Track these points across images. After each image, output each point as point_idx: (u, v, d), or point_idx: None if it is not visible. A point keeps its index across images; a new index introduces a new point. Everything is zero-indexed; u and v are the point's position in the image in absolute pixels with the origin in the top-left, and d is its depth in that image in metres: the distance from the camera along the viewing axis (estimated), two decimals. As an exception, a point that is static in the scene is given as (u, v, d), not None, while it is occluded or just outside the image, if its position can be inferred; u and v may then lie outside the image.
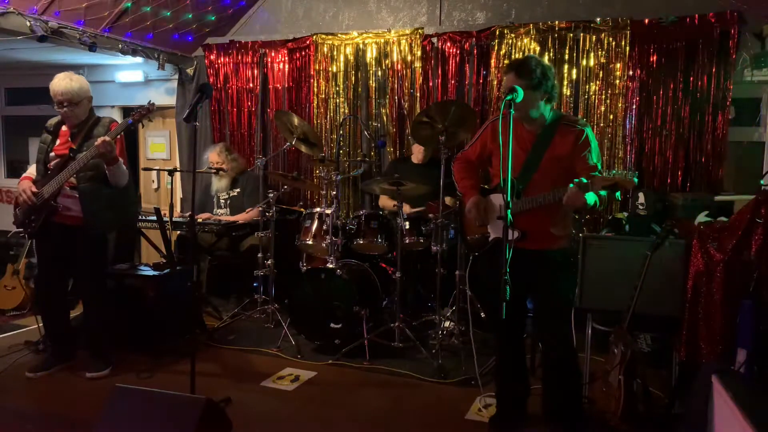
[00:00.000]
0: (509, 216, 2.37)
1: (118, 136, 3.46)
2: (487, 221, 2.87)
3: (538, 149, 2.71)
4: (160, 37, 5.22)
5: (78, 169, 3.40)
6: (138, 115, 3.43)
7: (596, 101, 4.60)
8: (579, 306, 3.23)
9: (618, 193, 2.45)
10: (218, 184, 5.12)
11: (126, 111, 6.51)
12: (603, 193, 2.55)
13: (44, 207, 3.48)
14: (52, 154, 3.57)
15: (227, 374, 3.72)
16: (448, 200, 4.20)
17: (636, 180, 2.45)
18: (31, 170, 3.69)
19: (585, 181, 2.45)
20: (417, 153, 4.76)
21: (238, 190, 5.07)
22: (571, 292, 3.02)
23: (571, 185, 2.48)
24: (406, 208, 4.55)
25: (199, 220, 4.82)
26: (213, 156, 5.11)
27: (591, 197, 2.53)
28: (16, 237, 5.26)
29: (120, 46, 4.91)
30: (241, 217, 4.95)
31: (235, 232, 4.94)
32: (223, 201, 5.13)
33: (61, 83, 3.47)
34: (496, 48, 4.78)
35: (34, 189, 3.50)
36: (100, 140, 3.33)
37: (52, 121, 3.67)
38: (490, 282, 2.66)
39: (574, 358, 2.88)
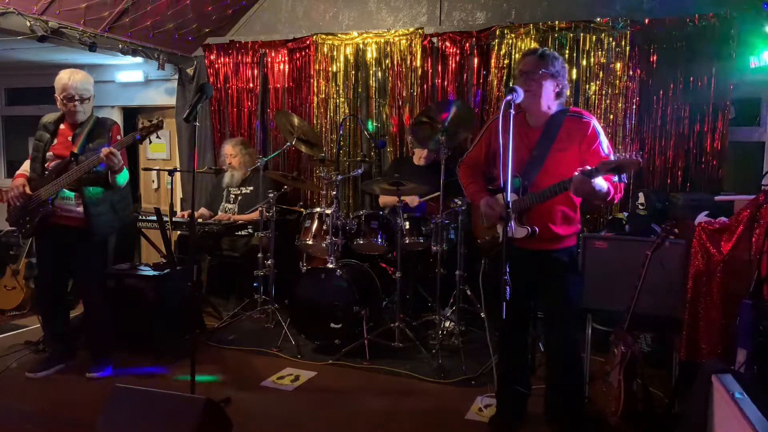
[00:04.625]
0: (511, 214, 2.37)
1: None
2: (498, 220, 2.83)
3: (544, 144, 2.68)
4: (160, 37, 5.22)
5: (80, 175, 3.39)
6: (146, 131, 3.39)
7: (596, 101, 4.60)
8: (579, 306, 3.23)
9: (624, 176, 2.42)
10: (230, 178, 5.11)
11: (126, 111, 6.52)
12: (616, 179, 2.52)
13: (39, 208, 3.46)
14: (50, 153, 3.54)
15: (227, 374, 3.72)
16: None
17: (640, 159, 2.40)
18: (25, 166, 3.66)
19: (589, 168, 2.44)
20: (419, 156, 4.75)
21: (251, 188, 5.05)
22: (578, 293, 3.00)
23: (576, 173, 2.46)
24: (414, 200, 4.54)
25: (200, 221, 4.82)
26: (228, 148, 5.13)
27: (602, 183, 2.48)
28: (8, 236, 5.25)
29: (120, 46, 4.92)
30: (243, 217, 4.94)
31: (238, 232, 4.94)
32: (233, 196, 5.12)
33: (76, 76, 3.45)
34: (496, 48, 4.78)
35: (27, 189, 3.48)
36: (105, 151, 3.31)
37: (50, 118, 3.62)
38: (496, 283, 2.65)
39: (579, 359, 2.88)
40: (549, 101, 2.69)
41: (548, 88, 2.65)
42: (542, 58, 2.65)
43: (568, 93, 4.54)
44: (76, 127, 3.55)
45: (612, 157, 2.57)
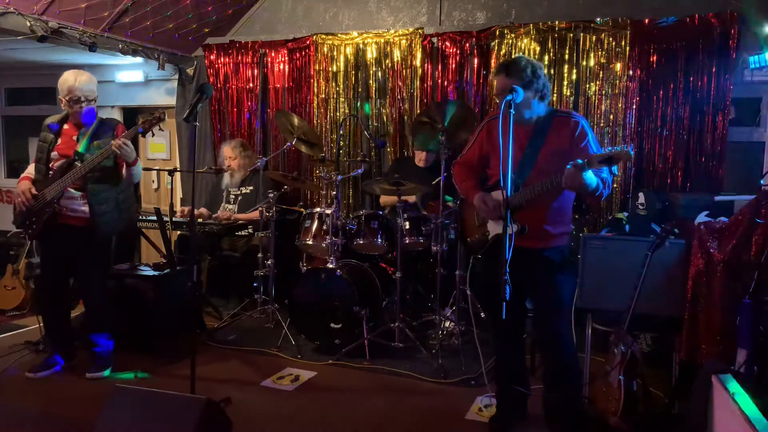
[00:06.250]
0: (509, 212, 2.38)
1: None
2: (493, 216, 2.83)
3: (534, 145, 2.71)
4: (160, 37, 5.22)
5: (85, 172, 3.38)
6: (148, 124, 3.38)
7: (596, 101, 4.60)
8: (579, 306, 3.23)
9: (615, 168, 2.44)
10: (230, 179, 5.11)
11: (126, 111, 6.51)
12: (605, 175, 2.54)
13: (46, 209, 3.46)
14: (54, 153, 3.53)
15: (227, 374, 3.72)
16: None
17: (632, 152, 2.41)
18: (30, 169, 3.65)
19: (580, 161, 2.45)
20: (419, 158, 4.75)
21: (251, 188, 5.05)
22: (571, 292, 3.01)
23: (568, 167, 2.47)
24: (412, 199, 4.55)
25: (200, 220, 4.81)
26: (227, 150, 5.11)
27: (591, 178, 2.50)
28: (16, 237, 5.26)
29: (120, 46, 4.91)
30: (244, 216, 4.93)
31: (238, 232, 4.94)
32: (233, 197, 5.12)
33: (82, 78, 3.45)
34: (496, 48, 4.78)
35: (33, 191, 3.48)
36: (117, 142, 3.31)
37: (53, 119, 3.62)
38: (489, 282, 2.66)
39: (574, 358, 2.88)
40: (532, 107, 2.70)
41: (527, 97, 2.65)
42: (510, 73, 2.64)
43: (567, 93, 4.62)
44: (80, 127, 3.54)
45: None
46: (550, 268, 2.76)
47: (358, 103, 5.28)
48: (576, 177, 2.45)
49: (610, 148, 2.43)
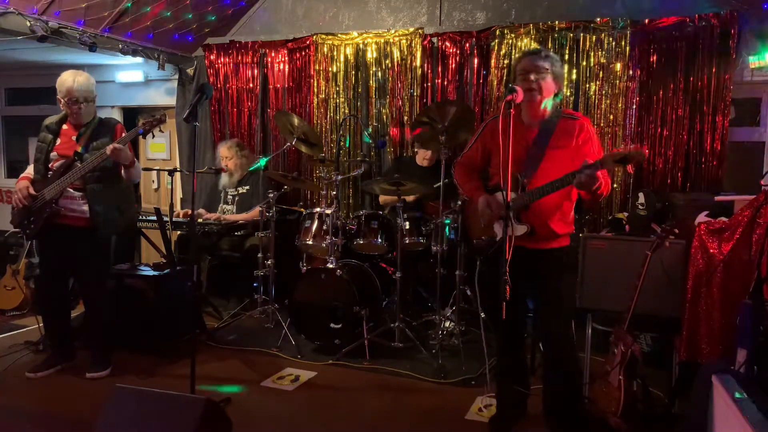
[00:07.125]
0: (512, 212, 2.37)
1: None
2: (497, 218, 2.81)
3: (540, 143, 2.70)
4: (160, 37, 5.23)
5: (84, 173, 3.39)
6: (149, 125, 3.39)
7: (596, 101, 4.60)
8: (579, 306, 3.23)
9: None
10: (227, 179, 5.11)
11: (126, 111, 6.51)
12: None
13: (44, 209, 3.46)
14: (54, 153, 3.54)
15: (227, 374, 3.72)
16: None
17: (646, 153, 2.42)
18: (30, 170, 3.65)
19: (593, 162, 2.44)
20: (423, 157, 4.75)
21: (248, 187, 5.05)
22: (571, 292, 3.01)
23: (583, 167, 2.46)
24: (410, 198, 4.55)
25: (200, 220, 4.81)
26: (223, 150, 5.11)
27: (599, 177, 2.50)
28: (14, 237, 5.26)
29: (120, 46, 4.92)
30: (241, 217, 4.94)
31: (236, 232, 4.94)
32: (231, 197, 5.12)
33: (79, 79, 3.45)
34: (496, 48, 4.78)
35: (31, 190, 3.48)
36: (110, 148, 3.32)
37: (52, 119, 3.62)
38: (491, 282, 2.65)
39: (575, 358, 2.88)
40: (548, 101, 2.72)
41: (550, 87, 2.68)
42: (546, 57, 2.69)
43: (567, 93, 4.62)
44: (80, 128, 3.55)
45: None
46: (552, 268, 2.76)
47: (358, 103, 5.28)
48: (591, 177, 2.45)
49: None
